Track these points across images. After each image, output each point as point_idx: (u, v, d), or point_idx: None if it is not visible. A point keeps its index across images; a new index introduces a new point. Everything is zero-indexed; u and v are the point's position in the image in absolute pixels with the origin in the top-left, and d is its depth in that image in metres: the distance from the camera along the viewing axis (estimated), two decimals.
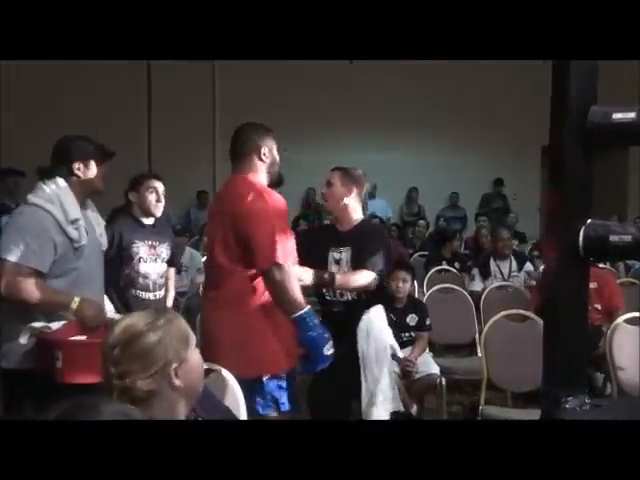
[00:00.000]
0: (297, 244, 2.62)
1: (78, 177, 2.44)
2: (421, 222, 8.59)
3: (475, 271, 5.49)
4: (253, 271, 2.42)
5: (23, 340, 2.32)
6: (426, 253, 7.09)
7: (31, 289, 2.33)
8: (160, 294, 3.45)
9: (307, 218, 9.27)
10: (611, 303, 4.36)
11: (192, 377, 1.47)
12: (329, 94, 9.69)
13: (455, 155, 10.19)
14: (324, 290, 2.96)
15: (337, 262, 2.99)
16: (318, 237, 3.20)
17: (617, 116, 1.30)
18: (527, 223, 9.43)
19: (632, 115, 1.27)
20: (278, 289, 2.37)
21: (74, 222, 2.38)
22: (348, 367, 2.83)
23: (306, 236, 3.18)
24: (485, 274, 5.39)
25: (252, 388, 2.34)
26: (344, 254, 2.98)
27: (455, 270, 5.96)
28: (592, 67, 1.39)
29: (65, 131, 2.59)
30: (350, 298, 2.97)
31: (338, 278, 2.84)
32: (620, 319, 3.58)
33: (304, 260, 2.82)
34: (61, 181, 2.42)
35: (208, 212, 2.82)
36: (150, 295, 3.38)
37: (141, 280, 3.36)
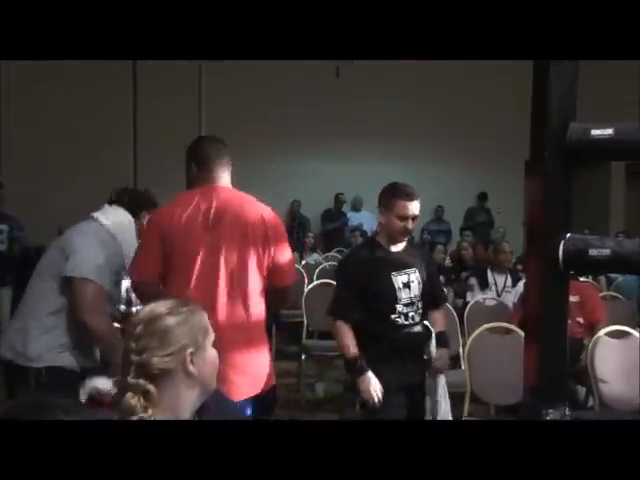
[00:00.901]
0: (352, 269, 2.82)
1: (140, 224, 2.62)
2: None
3: (473, 281, 5.49)
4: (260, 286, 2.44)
5: (83, 398, 2.35)
6: None
7: (108, 321, 2.49)
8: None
9: (291, 231, 9.28)
10: (593, 316, 4.40)
11: (207, 369, 1.52)
12: (315, 106, 9.73)
13: (440, 168, 10.25)
14: (392, 316, 2.85)
15: (407, 286, 2.90)
16: (372, 260, 2.91)
17: (595, 132, 1.32)
18: (511, 237, 9.49)
19: (610, 131, 1.30)
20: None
21: (128, 256, 2.50)
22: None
23: (363, 261, 2.90)
24: (483, 285, 5.41)
25: (265, 402, 2.45)
26: (413, 276, 2.92)
27: None
28: (571, 83, 1.41)
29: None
30: (420, 320, 2.95)
31: (445, 332, 3.08)
32: (602, 332, 3.61)
33: (367, 287, 2.83)
34: (129, 217, 2.61)
35: (189, 224, 2.37)
36: (132, 309, 3.37)
37: (124, 294, 3.35)
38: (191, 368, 1.47)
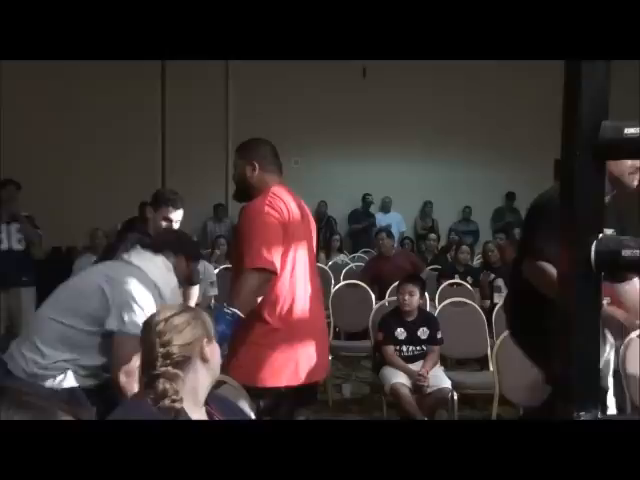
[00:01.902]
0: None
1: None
2: (432, 235, 8.59)
3: (500, 282, 5.42)
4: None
5: None
6: (438, 267, 7.08)
7: (135, 382, 2.13)
8: None
9: (318, 232, 9.27)
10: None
11: (215, 357, 1.78)
12: (345, 106, 9.72)
13: (468, 169, 10.18)
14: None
15: None
16: None
17: (629, 131, 1.30)
18: None
19: None
20: None
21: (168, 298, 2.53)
22: None
23: None
24: None
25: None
26: None
27: (467, 284, 5.94)
28: (603, 81, 1.39)
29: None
30: None
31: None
32: (634, 334, 3.55)
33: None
34: (168, 264, 2.57)
35: (297, 224, 2.63)
36: None
37: None
38: (207, 355, 1.73)
